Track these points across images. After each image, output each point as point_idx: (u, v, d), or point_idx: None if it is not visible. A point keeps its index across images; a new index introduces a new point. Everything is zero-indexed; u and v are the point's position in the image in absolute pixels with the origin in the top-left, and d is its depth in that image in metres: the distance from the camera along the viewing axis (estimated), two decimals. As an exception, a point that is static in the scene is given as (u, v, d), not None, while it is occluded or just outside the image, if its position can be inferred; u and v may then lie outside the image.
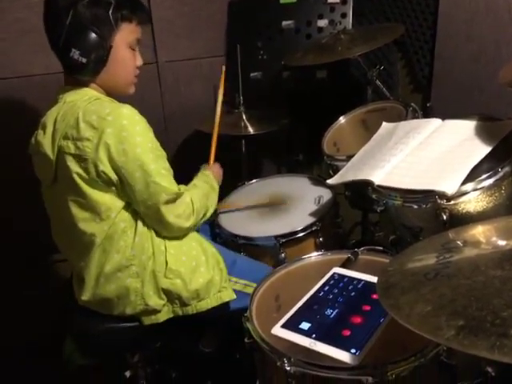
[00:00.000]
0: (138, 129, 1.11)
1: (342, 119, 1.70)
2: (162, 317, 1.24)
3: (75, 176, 1.11)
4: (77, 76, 1.14)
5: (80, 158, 1.10)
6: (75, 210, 1.15)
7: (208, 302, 1.26)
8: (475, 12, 1.63)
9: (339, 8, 1.99)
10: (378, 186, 1.21)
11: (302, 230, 1.47)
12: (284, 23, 2.03)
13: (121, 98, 1.21)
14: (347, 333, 0.94)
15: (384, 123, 1.49)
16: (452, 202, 1.09)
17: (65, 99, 1.16)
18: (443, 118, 1.34)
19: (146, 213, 1.18)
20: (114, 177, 1.11)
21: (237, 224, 1.55)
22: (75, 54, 1.09)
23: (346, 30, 1.80)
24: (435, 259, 0.80)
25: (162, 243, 1.23)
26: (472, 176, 1.10)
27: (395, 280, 0.81)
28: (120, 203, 1.16)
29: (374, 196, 1.22)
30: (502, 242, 0.81)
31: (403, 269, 0.85)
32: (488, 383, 0.88)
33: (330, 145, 1.64)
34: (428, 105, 1.68)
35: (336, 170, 1.48)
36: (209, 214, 1.33)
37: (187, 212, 1.22)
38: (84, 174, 1.11)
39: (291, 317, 1.01)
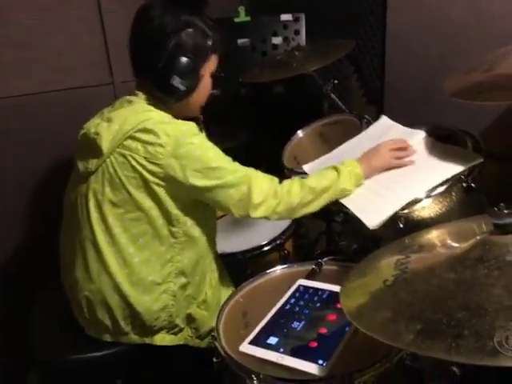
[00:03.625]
0: (211, 155, 1.14)
1: (300, 133, 1.72)
2: (174, 341, 1.22)
3: (130, 177, 1.10)
4: (165, 98, 1.15)
5: (149, 161, 1.09)
6: (110, 207, 1.12)
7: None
8: (420, 27, 1.71)
9: (292, 25, 2.04)
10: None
11: (266, 244, 1.48)
12: (240, 41, 2.06)
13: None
14: (314, 344, 0.94)
15: (384, 117, 1.49)
16: (406, 211, 1.14)
17: (137, 106, 1.15)
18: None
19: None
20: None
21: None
22: (175, 80, 1.12)
23: (299, 47, 1.84)
24: (393, 265, 0.83)
25: (207, 273, 1.25)
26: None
27: (357, 288, 0.83)
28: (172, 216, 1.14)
29: (333, 207, 1.25)
30: (455, 245, 0.84)
31: (364, 277, 0.87)
32: (455, 382, 0.90)
33: (291, 159, 1.67)
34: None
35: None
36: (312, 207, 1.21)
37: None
38: (147, 175, 1.10)
39: (258, 332, 1.01)
